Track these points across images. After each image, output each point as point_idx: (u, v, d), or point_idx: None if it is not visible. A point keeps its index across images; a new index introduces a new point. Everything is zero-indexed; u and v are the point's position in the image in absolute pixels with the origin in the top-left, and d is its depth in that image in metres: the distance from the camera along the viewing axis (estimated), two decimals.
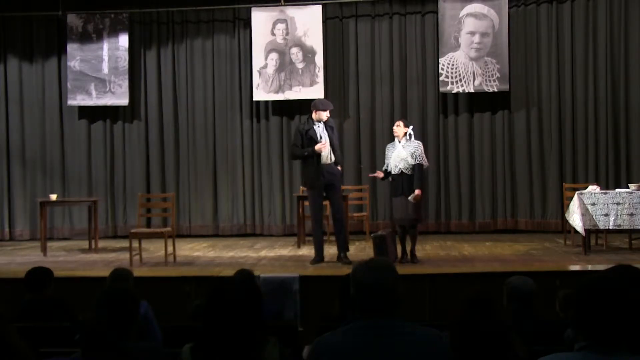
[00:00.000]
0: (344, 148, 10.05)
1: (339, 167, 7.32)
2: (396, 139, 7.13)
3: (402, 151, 7.00)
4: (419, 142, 7.23)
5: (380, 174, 7.27)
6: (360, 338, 2.31)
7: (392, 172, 7.07)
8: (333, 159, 7.19)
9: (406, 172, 6.97)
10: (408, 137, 7.07)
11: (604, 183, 9.20)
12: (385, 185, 8.70)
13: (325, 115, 7.15)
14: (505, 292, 3.87)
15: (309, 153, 7.04)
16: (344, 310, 3.76)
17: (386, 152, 7.24)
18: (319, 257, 7.17)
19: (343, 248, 7.17)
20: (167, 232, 7.54)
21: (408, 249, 7.17)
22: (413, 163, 6.97)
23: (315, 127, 7.12)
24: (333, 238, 9.30)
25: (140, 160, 10.34)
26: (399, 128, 7.10)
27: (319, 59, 9.84)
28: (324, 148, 7.03)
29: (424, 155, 7.11)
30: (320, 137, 7.08)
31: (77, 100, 10.19)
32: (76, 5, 10.13)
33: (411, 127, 7.19)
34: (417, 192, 6.93)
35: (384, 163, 7.31)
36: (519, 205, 9.77)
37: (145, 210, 8.67)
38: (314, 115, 7.17)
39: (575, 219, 7.26)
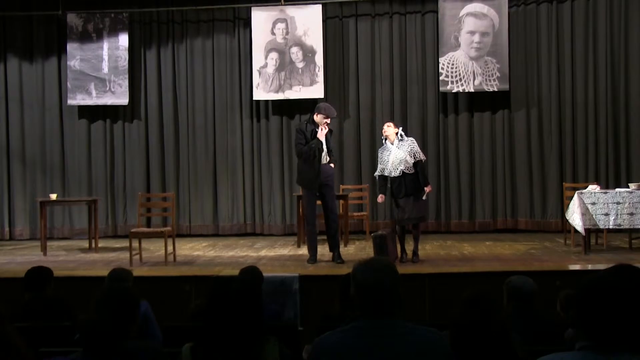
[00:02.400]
0: (344, 147, 10.08)
1: (332, 165, 7.32)
2: (387, 141, 7.10)
3: (399, 152, 6.97)
4: (412, 138, 7.23)
5: (382, 198, 7.25)
6: (360, 338, 2.31)
7: (392, 175, 7.00)
8: (328, 159, 7.22)
9: (408, 172, 6.95)
10: (400, 137, 7.06)
11: (604, 182, 9.21)
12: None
13: (325, 121, 7.14)
14: (505, 292, 3.87)
15: (315, 144, 7.04)
16: (344, 310, 3.76)
17: (380, 157, 7.16)
18: (313, 258, 7.20)
19: (336, 248, 7.19)
20: (167, 232, 7.53)
21: (410, 248, 7.16)
22: (413, 162, 6.96)
23: (316, 128, 7.11)
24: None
25: (140, 160, 10.34)
26: (389, 128, 7.09)
27: (319, 59, 9.84)
28: (322, 135, 7.03)
29: (420, 150, 7.12)
30: (320, 142, 7.09)
31: (77, 99, 10.19)
32: (76, 4, 10.13)
33: (400, 127, 7.19)
34: (428, 188, 7.04)
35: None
36: (519, 205, 9.77)
37: (145, 209, 8.67)
38: (315, 117, 7.17)
39: (575, 218, 7.26)
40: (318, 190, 7.18)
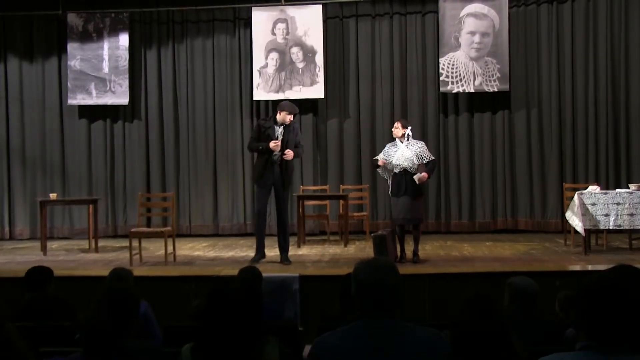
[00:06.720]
0: (344, 147, 10.07)
1: (288, 155, 7.10)
2: (397, 139, 7.13)
3: (407, 151, 7.00)
4: (423, 142, 7.28)
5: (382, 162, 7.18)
6: (360, 338, 2.30)
7: (394, 171, 7.04)
8: (279, 160, 7.12)
9: (410, 171, 6.97)
10: (407, 138, 7.07)
11: (604, 183, 9.20)
12: (385, 185, 8.70)
13: (289, 118, 7.16)
14: (507, 292, 3.87)
15: (263, 148, 7.10)
16: (344, 310, 3.76)
17: (387, 150, 7.16)
18: (259, 255, 7.23)
19: (284, 249, 7.22)
20: (167, 232, 7.53)
21: (410, 249, 7.16)
22: (418, 163, 6.98)
23: (275, 126, 7.17)
24: (333, 237, 9.35)
25: (140, 159, 10.33)
26: (397, 130, 7.11)
27: (319, 59, 9.84)
28: (277, 147, 7.06)
29: (428, 152, 7.13)
30: (277, 137, 7.11)
31: (78, 99, 10.19)
32: (76, 4, 10.13)
33: (409, 127, 7.18)
34: (424, 174, 6.93)
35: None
36: (519, 205, 9.76)
37: (145, 209, 8.67)
38: (278, 116, 7.21)
39: (575, 219, 7.26)
40: (271, 188, 7.18)
